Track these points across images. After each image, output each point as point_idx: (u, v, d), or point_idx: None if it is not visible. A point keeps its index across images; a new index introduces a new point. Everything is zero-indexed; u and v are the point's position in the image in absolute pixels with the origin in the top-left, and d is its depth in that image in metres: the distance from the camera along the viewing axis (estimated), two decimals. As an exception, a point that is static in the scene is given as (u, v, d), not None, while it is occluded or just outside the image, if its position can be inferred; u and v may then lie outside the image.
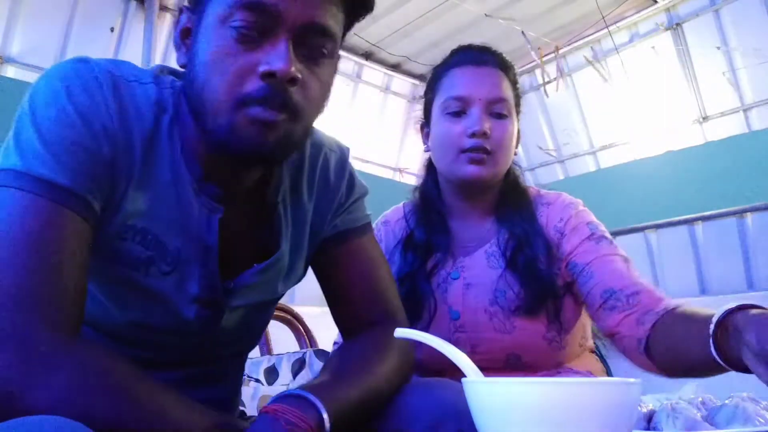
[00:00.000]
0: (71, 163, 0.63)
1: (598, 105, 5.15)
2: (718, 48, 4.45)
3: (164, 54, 4.36)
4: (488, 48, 1.22)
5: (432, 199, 1.23)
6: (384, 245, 1.24)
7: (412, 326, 1.09)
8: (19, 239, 0.58)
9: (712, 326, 0.74)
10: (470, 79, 1.15)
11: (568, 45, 5.06)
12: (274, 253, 0.79)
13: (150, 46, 4.12)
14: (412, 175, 5.85)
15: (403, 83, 5.61)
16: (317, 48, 0.68)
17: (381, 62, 5.29)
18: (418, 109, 1.31)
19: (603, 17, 4.52)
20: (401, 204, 1.31)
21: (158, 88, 0.72)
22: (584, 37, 4.97)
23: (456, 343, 1.07)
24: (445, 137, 1.14)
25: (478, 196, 1.19)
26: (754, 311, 0.71)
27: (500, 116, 1.14)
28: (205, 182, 0.73)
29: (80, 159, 0.63)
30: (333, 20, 0.68)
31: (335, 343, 1.18)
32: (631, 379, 0.51)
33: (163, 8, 4.31)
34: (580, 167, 5.47)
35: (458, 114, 1.13)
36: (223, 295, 0.76)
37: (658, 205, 4.44)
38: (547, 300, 1.09)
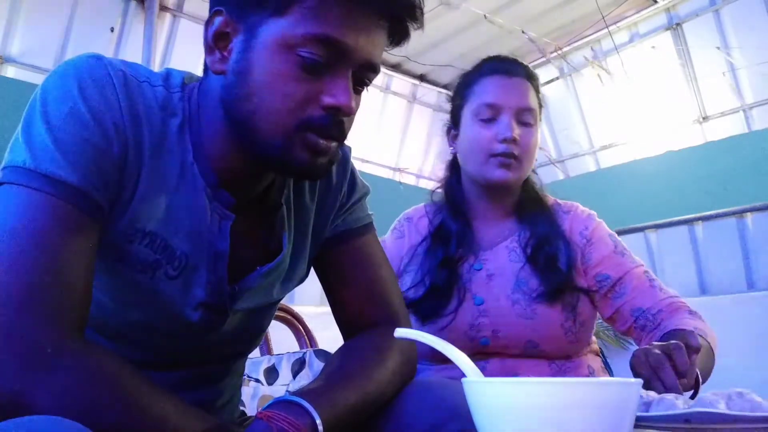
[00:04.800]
0: (81, 161, 0.62)
1: (598, 105, 5.16)
2: (718, 48, 4.45)
3: (164, 54, 4.36)
4: (516, 59, 1.30)
5: (455, 198, 1.30)
6: (407, 239, 1.32)
7: (439, 311, 1.18)
8: (26, 237, 0.58)
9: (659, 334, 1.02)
10: (502, 88, 1.22)
11: (568, 45, 5.07)
12: (277, 255, 0.79)
13: (150, 46, 4.12)
14: (411, 175, 5.85)
15: (403, 83, 5.61)
16: (365, 81, 0.73)
17: (381, 62, 5.28)
18: (443, 115, 1.37)
19: (603, 17, 4.53)
20: (421, 205, 1.37)
21: (167, 92, 0.72)
22: (584, 37, 4.98)
23: (479, 327, 1.16)
24: (476, 141, 1.21)
25: (501, 197, 1.27)
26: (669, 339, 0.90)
27: (527, 124, 1.21)
28: (218, 189, 0.73)
29: (90, 157, 0.62)
30: (381, 57, 0.73)
31: None
32: (631, 379, 0.51)
33: (163, 8, 4.31)
34: (580, 167, 5.48)
35: (489, 120, 1.20)
36: (228, 300, 0.75)
37: (658, 205, 4.45)
38: (565, 291, 1.17)
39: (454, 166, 1.32)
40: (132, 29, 4.17)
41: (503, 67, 1.24)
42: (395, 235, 1.34)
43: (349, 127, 0.72)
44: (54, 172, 0.60)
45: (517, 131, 1.18)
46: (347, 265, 0.86)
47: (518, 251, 1.22)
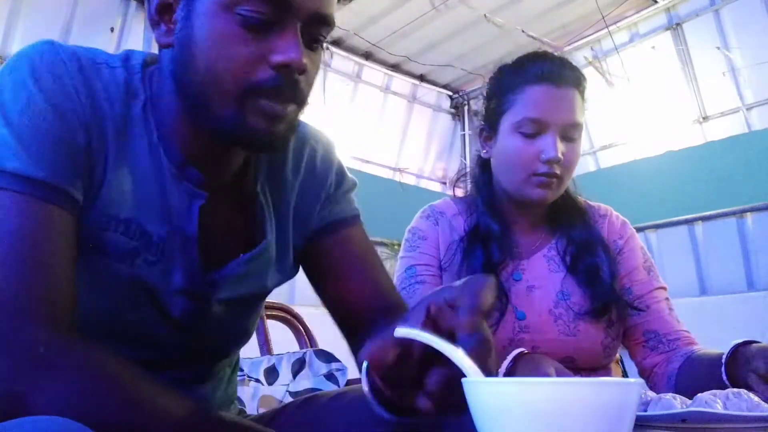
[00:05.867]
0: (46, 154, 0.59)
1: (597, 105, 5.16)
2: (718, 48, 4.45)
3: (164, 54, 4.37)
4: (566, 62, 1.17)
5: (491, 199, 1.22)
6: (440, 234, 1.22)
7: None
8: (3, 239, 0.57)
9: (725, 356, 0.93)
10: (549, 102, 1.10)
11: (568, 45, 5.07)
12: (260, 243, 0.77)
13: (150, 46, 4.12)
14: (411, 175, 5.85)
15: (403, 83, 5.61)
16: (318, 36, 0.68)
17: (381, 62, 5.28)
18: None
19: (603, 17, 4.53)
20: (448, 200, 1.29)
21: (128, 73, 0.69)
22: (584, 37, 4.98)
23: (519, 343, 1.09)
24: (516, 157, 1.11)
25: (535, 209, 1.20)
26: (759, 344, 0.92)
27: (572, 139, 1.12)
28: (185, 168, 0.70)
29: (55, 149, 0.60)
30: (334, 9, 0.68)
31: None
32: (632, 379, 0.51)
33: (163, 8, 4.31)
34: (580, 167, 5.45)
35: (532, 135, 1.10)
36: (208, 287, 0.73)
37: (658, 205, 4.45)
38: (612, 306, 1.12)
39: (484, 167, 1.23)
40: (132, 29, 4.18)
41: (551, 74, 1.10)
42: (429, 221, 1.24)
43: (308, 89, 0.68)
44: (19, 169, 0.58)
45: (561, 149, 1.09)
46: (338, 256, 0.84)
47: (557, 260, 1.17)
